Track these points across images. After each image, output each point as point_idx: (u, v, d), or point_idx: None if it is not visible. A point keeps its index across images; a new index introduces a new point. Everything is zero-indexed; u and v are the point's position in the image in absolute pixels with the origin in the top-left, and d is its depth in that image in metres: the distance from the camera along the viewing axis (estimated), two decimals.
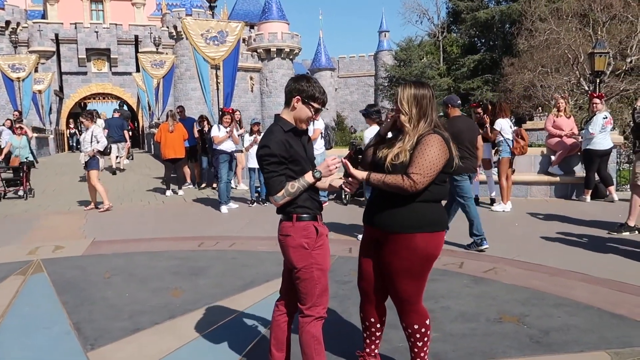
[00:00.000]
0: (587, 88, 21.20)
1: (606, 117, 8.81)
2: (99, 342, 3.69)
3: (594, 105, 8.96)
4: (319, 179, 2.68)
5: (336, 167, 2.67)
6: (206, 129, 11.86)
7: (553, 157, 9.71)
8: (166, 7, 41.32)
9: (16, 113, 18.14)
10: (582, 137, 9.25)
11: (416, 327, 2.87)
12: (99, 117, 18.05)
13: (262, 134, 5.12)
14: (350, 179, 2.75)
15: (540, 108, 24.26)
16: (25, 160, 11.99)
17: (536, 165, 10.03)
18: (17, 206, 10.36)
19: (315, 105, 2.72)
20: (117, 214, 9.26)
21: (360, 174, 2.75)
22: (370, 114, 7.09)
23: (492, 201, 8.91)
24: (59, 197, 11.37)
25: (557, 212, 8.09)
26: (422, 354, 2.94)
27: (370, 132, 7.11)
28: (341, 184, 2.80)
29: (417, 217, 2.72)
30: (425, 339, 2.91)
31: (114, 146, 16.21)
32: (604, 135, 8.83)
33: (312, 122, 9.25)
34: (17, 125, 16.36)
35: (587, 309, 4.02)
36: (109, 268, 5.60)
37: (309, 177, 2.66)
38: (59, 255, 6.28)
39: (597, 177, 9.16)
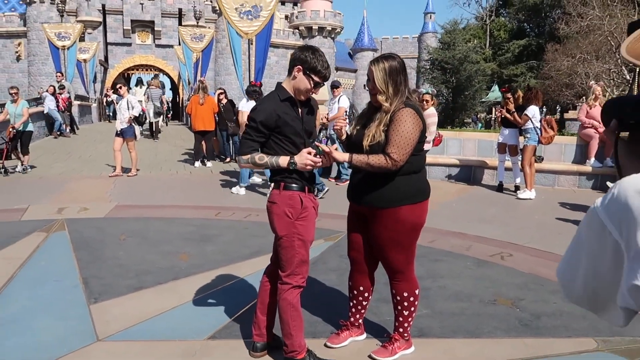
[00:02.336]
0: (628, 77, 20.29)
1: None
2: (103, 296, 3.88)
3: None
4: (292, 169, 2.69)
5: (313, 166, 2.69)
6: (223, 102, 11.98)
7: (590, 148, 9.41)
8: None
9: (59, 74, 18.76)
10: None
11: (405, 294, 2.94)
12: (150, 86, 19.01)
13: None
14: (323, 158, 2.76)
15: (583, 97, 23.44)
16: (20, 129, 10.35)
17: (566, 153, 9.78)
18: (53, 169, 10.79)
19: (316, 78, 2.72)
20: (145, 182, 9.54)
21: (342, 156, 2.77)
22: (249, 93, 8.61)
23: (517, 188, 8.77)
24: (93, 163, 11.77)
25: (583, 203, 7.89)
26: (405, 324, 3.00)
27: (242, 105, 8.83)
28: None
29: (401, 190, 2.78)
30: (412, 308, 2.97)
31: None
32: None
33: (337, 101, 9.34)
34: (59, 92, 17.00)
35: None
36: (126, 230, 5.83)
37: (283, 161, 2.68)
38: (82, 216, 6.56)
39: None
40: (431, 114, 8.18)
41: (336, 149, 2.90)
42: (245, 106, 9.20)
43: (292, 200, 2.74)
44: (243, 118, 8.88)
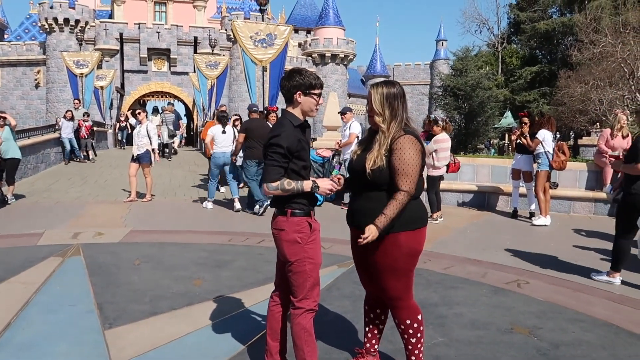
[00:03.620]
0: None
1: None
2: (117, 322, 3.89)
3: None
4: (314, 193, 2.78)
5: (333, 191, 2.80)
6: (238, 128, 12.05)
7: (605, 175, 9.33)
8: (226, 10, 42.43)
9: (76, 101, 19.05)
10: None
11: (408, 322, 2.91)
12: (164, 111, 20.87)
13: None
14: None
15: (598, 124, 23.38)
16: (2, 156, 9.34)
17: (581, 180, 9.71)
18: (69, 194, 10.92)
19: (315, 92, 2.83)
20: (159, 207, 9.61)
21: (373, 234, 2.70)
22: (219, 119, 9.75)
23: (531, 215, 8.69)
24: (109, 188, 11.89)
25: (599, 229, 7.81)
26: (415, 351, 2.96)
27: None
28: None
29: (400, 217, 2.76)
30: (419, 334, 2.94)
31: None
32: None
33: (348, 127, 9.50)
34: (83, 119, 17.25)
35: (605, 326, 3.90)
36: (140, 255, 5.85)
37: (307, 186, 2.73)
38: (97, 241, 6.60)
39: None
40: (440, 140, 8.20)
41: (342, 175, 2.95)
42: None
43: (300, 226, 2.77)
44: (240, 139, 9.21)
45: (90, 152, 18.19)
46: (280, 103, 14.31)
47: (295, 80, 2.79)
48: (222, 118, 9.76)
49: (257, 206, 8.94)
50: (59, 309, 4.12)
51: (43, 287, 4.67)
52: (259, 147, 8.62)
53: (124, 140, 25.36)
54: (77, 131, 17.52)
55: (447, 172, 8.61)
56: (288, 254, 2.77)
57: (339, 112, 10.18)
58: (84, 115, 17.91)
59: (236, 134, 9.59)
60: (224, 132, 9.47)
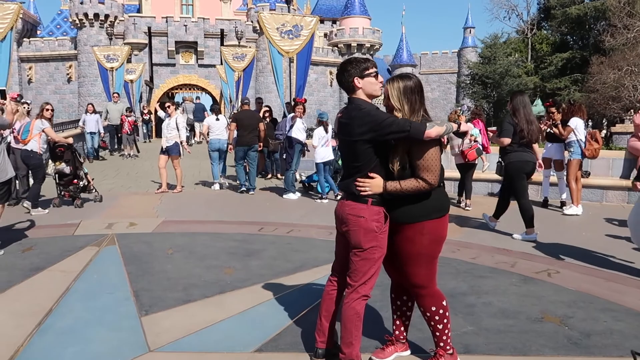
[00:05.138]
0: None
1: None
2: (153, 309, 4.01)
3: None
4: (456, 130, 2.91)
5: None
6: (267, 119, 12.16)
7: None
8: (252, 1, 42.52)
9: (115, 95, 19.20)
10: None
11: (434, 309, 2.95)
12: (185, 101, 22.78)
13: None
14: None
15: (632, 110, 22.77)
16: None
17: (614, 168, 9.52)
18: (102, 186, 11.18)
19: (371, 71, 2.88)
20: (189, 198, 9.79)
21: (378, 187, 2.80)
22: (213, 110, 11.57)
23: (562, 204, 8.58)
24: (140, 180, 12.16)
25: None
26: (444, 337, 3.00)
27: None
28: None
29: (424, 206, 2.84)
30: (445, 320, 2.98)
31: (197, 124, 22.76)
32: None
33: None
34: (126, 114, 17.36)
35: (637, 316, 3.87)
36: (173, 245, 6.00)
37: (449, 124, 2.83)
38: (131, 231, 6.78)
39: None
40: None
41: None
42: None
43: (379, 215, 2.84)
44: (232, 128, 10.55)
45: (133, 149, 17.81)
46: (306, 94, 14.34)
47: (347, 71, 2.88)
48: (214, 109, 11.75)
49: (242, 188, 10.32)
50: (97, 296, 4.27)
51: (81, 275, 4.84)
52: (247, 135, 10.13)
53: (149, 133, 25.60)
54: (120, 127, 17.59)
55: (467, 160, 8.58)
56: (363, 240, 2.82)
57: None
58: (126, 111, 17.99)
59: (228, 121, 11.15)
60: (217, 119, 11.10)
